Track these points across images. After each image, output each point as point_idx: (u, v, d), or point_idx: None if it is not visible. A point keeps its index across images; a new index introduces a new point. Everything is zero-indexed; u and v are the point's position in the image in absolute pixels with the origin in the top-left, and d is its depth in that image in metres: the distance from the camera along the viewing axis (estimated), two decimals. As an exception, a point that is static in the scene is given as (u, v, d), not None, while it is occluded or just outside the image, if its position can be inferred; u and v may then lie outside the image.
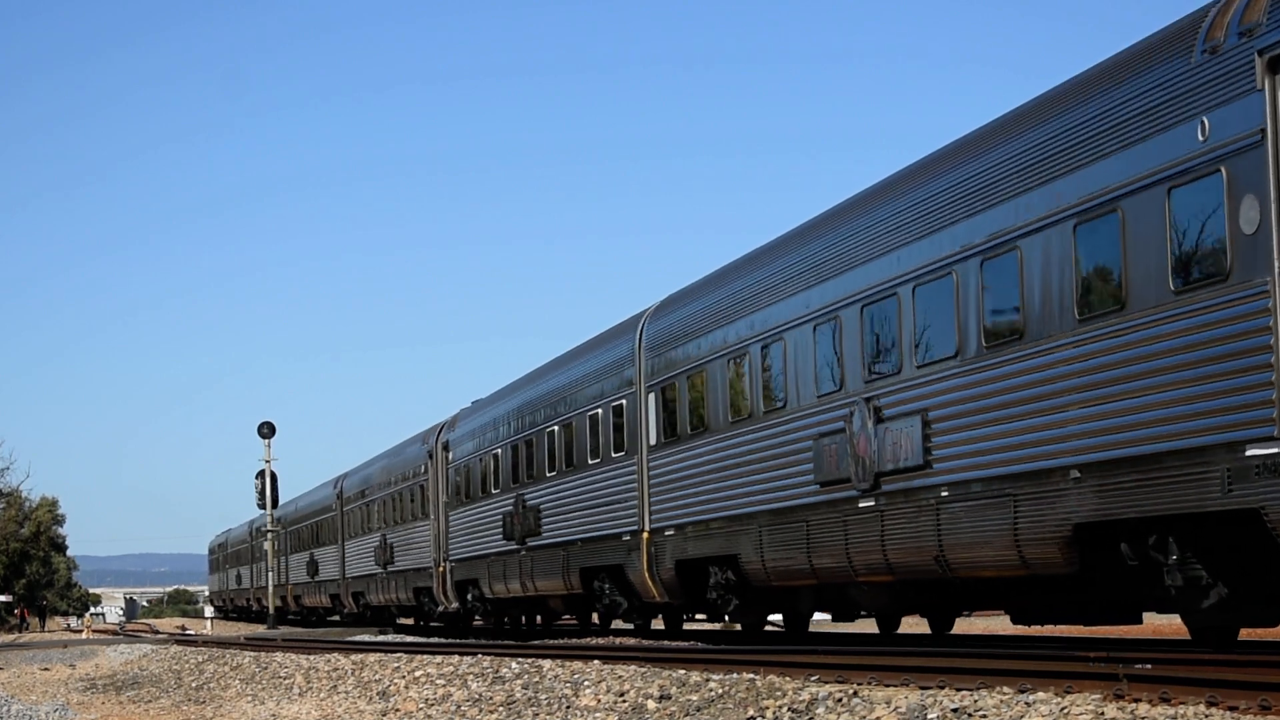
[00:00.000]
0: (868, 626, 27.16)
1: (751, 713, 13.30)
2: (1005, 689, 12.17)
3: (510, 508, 33.91)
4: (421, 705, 17.80)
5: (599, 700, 15.63)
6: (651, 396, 26.20)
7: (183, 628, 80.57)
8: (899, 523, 18.36)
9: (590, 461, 29.03)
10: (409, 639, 38.77)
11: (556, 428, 31.23)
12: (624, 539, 27.04)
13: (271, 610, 68.10)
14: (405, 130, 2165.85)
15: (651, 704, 14.80)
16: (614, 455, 27.77)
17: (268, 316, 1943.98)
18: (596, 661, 19.73)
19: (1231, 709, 10.20)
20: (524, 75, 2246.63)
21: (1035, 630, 23.21)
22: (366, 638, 40.87)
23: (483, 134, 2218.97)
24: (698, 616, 27.69)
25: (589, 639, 30.95)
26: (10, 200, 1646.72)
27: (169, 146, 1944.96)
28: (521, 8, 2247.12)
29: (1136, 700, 10.95)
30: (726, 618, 25.64)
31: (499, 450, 35.69)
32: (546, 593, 32.43)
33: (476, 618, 41.58)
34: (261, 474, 67.85)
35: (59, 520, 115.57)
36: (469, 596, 38.94)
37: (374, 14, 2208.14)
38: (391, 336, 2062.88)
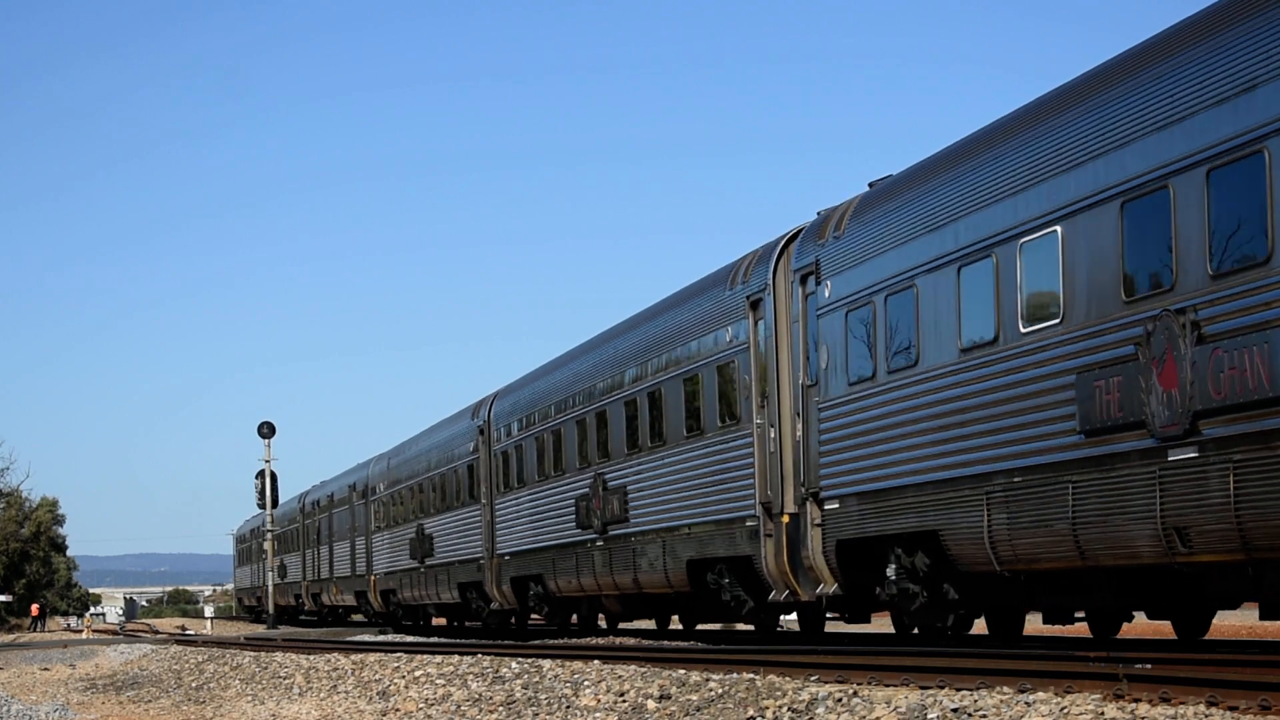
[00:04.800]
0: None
1: (751, 713, 13.30)
2: (1005, 689, 12.18)
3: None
4: (421, 705, 17.81)
5: (599, 700, 15.63)
6: None
7: (183, 628, 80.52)
8: None
9: None
10: (409, 639, 38.68)
11: None
12: None
13: (271, 610, 68.22)
14: (405, 130, 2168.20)
15: (651, 704, 14.80)
16: None
17: (268, 317, 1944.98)
18: (596, 661, 19.72)
19: (1231, 709, 10.20)
20: (524, 76, 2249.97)
21: (1035, 630, 23.16)
22: (366, 638, 40.81)
23: (483, 134, 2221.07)
24: None
25: (589, 639, 30.80)
26: (10, 200, 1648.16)
27: (169, 146, 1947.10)
28: (521, 8, 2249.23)
29: (1136, 700, 10.95)
30: None
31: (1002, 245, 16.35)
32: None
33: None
34: (261, 474, 68.12)
35: (59, 520, 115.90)
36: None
37: (374, 14, 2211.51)
38: (392, 337, 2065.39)
